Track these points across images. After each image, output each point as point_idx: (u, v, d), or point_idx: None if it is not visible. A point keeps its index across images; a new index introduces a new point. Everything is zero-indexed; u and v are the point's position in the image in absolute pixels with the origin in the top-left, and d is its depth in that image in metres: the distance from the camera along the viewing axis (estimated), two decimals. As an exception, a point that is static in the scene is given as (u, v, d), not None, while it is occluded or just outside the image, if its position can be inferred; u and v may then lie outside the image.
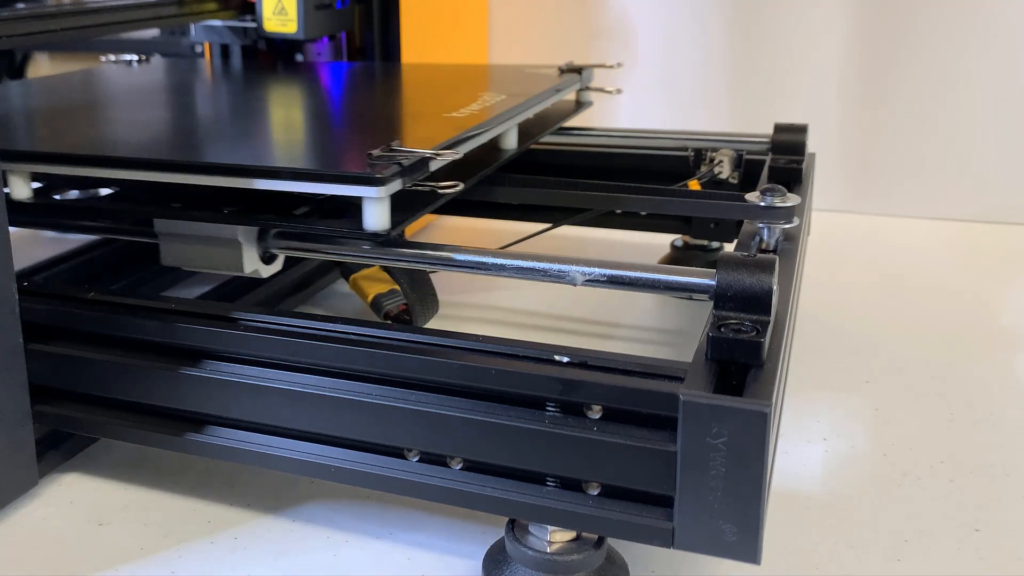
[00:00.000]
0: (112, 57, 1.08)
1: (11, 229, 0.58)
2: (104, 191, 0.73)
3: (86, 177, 0.68)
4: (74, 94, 0.88)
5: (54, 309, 0.62)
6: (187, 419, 0.59)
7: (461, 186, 0.61)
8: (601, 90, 0.96)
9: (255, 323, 0.58)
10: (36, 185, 0.70)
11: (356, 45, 1.08)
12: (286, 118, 0.78)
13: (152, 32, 1.53)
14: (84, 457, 0.69)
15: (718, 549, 0.47)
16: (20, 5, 0.97)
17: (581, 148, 0.97)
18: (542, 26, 1.39)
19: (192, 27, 1.06)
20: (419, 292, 0.77)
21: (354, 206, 0.60)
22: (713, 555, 0.47)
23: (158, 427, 0.60)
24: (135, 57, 1.07)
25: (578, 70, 0.94)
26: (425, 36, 1.13)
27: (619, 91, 0.97)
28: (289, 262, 0.96)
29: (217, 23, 1.02)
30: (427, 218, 1.23)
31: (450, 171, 0.66)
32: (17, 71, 1.69)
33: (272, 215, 0.62)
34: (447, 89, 0.88)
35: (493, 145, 0.77)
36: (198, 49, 1.14)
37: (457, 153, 0.63)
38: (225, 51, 1.05)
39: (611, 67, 0.98)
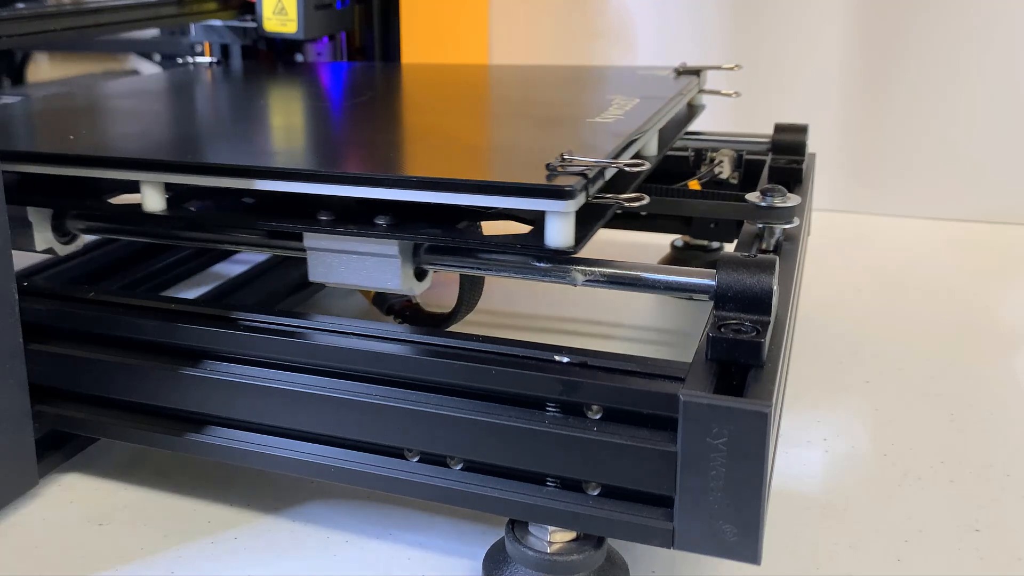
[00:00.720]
0: (190, 59, 1.05)
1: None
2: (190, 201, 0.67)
3: (217, 188, 0.61)
4: (178, 98, 0.86)
5: (54, 309, 0.62)
6: (187, 419, 0.59)
7: (647, 199, 0.55)
8: (718, 93, 0.90)
9: (255, 323, 0.58)
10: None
11: (356, 45, 1.08)
12: (425, 125, 0.72)
13: (152, 32, 1.52)
14: (84, 457, 0.69)
15: (718, 549, 0.47)
16: (20, 5, 0.97)
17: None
18: (542, 26, 1.39)
19: (192, 27, 1.06)
20: (472, 294, 0.73)
21: (520, 220, 0.56)
22: (713, 555, 0.47)
23: (158, 427, 0.60)
24: (213, 59, 1.04)
25: (696, 72, 0.89)
26: (425, 36, 1.13)
27: (737, 94, 0.90)
28: (289, 262, 0.96)
29: (217, 23, 1.02)
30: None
31: (631, 180, 0.62)
32: (17, 71, 1.69)
33: (429, 229, 0.57)
34: (571, 93, 0.84)
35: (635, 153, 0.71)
36: (198, 49, 1.14)
37: (644, 163, 0.57)
38: (225, 51, 1.05)
39: (730, 69, 0.90)
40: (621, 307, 0.97)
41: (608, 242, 1.14)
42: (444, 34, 1.22)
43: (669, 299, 0.97)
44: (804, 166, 0.83)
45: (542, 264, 0.56)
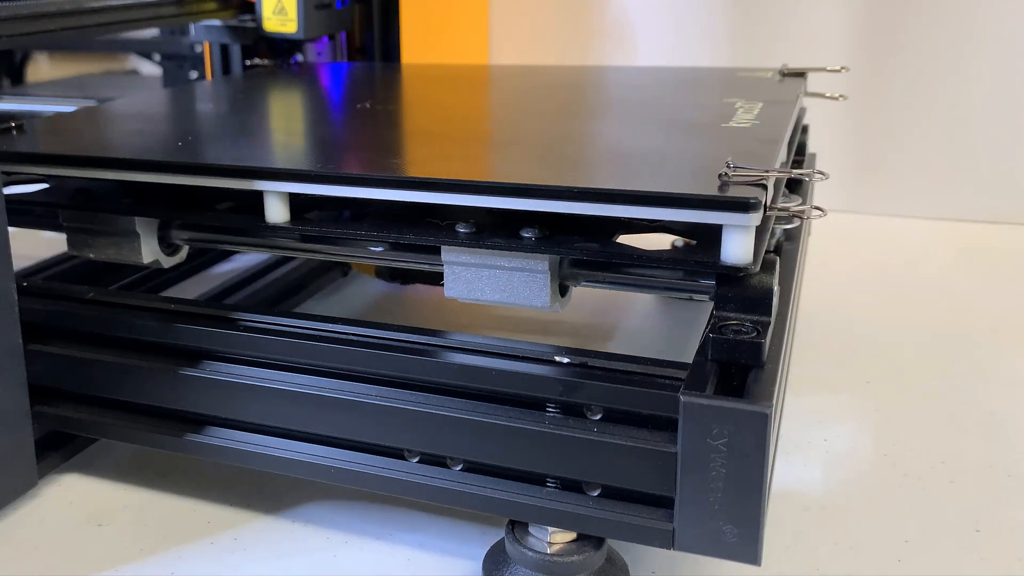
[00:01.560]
0: (266, 61, 1.02)
1: (13, 229, 0.57)
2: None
3: (338, 198, 0.58)
4: (271, 102, 0.82)
5: (54, 309, 0.62)
6: (187, 419, 0.59)
7: (825, 212, 0.52)
8: (822, 95, 0.86)
9: (255, 323, 0.58)
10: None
11: (356, 45, 1.08)
12: (559, 131, 0.68)
13: (152, 32, 1.53)
14: (84, 457, 0.69)
15: (718, 550, 0.47)
16: (20, 5, 0.97)
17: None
18: (542, 26, 1.39)
19: (192, 27, 1.06)
20: None
21: (677, 233, 0.53)
22: (713, 556, 0.47)
23: (158, 427, 0.60)
24: (297, 58, 1.01)
25: (802, 73, 0.85)
26: (425, 36, 1.13)
27: (844, 97, 0.87)
28: (288, 261, 0.96)
29: (217, 23, 1.01)
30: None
31: None
32: (17, 71, 1.69)
33: (581, 242, 0.53)
34: (685, 96, 0.81)
35: None
36: (198, 49, 1.14)
37: (824, 174, 0.54)
38: (224, 51, 1.05)
39: (836, 71, 0.87)
40: (621, 307, 0.97)
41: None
42: (444, 34, 1.22)
43: (670, 300, 0.97)
44: (804, 166, 0.83)
45: (710, 282, 0.52)
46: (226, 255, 1.04)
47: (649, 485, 0.48)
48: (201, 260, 0.98)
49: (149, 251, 0.63)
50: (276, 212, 0.58)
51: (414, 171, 0.56)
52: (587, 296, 0.97)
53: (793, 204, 0.54)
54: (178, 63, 1.48)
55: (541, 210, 0.52)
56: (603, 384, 0.49)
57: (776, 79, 0.85)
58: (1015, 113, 1.25)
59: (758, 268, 0.50)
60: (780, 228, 0.66)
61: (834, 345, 0.89)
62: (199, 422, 0.59)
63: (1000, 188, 1.27)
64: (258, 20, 0.98)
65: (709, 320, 0.51)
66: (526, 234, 0.53)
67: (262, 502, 0.64)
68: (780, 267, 0.52)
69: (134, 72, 1.87)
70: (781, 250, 0.66)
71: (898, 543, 0.60)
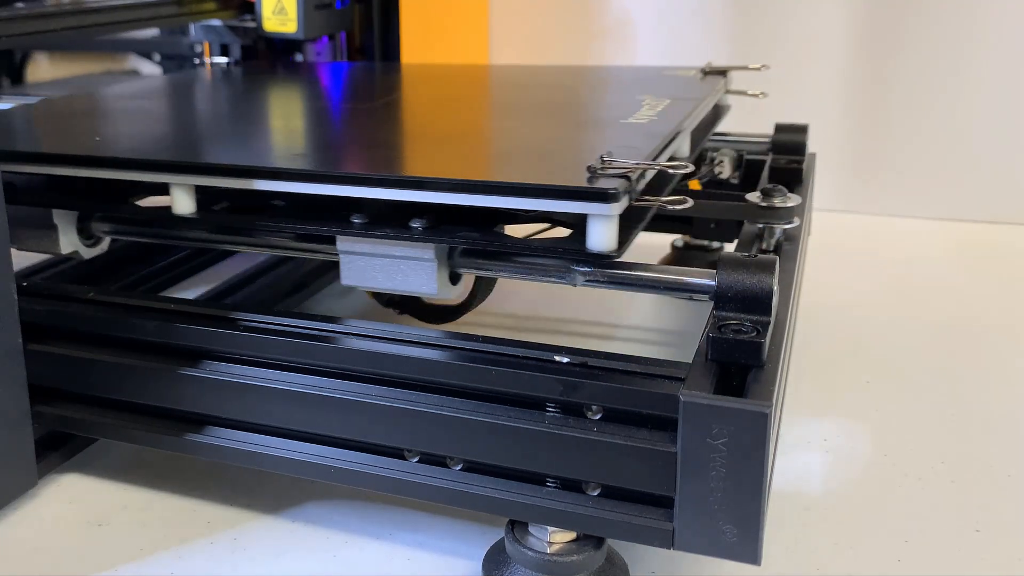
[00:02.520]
0: (208, 60, 1.05)
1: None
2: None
3: (247, 191, 0.60)
4: (199, 99, 0.85)
5: (54, 309, 0.62)
6: (187, 419, 0.59)
7: (691, 202, 0.54)
8: (744, 93, 0.89)
9: (255, 323, 0.58)
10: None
11: (356, 45, 1.08)
12: (457, 126, 0.72)
13: (152, 32, 1.52)
14: (84, 457, 0.69)
15: (718, 550, 0.47)
16: (20, 5, 0.97)
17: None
18: (542, 26, 1.39)
19: (191, 27, 1.06)
20: (487, 288, 0.72)
21: (558, 223, 0.56)
22: (713, 556, 0.47)
23: (158, 427, 0.60)
24: (229, 59, 1.04)
25: (723, 72, 0.88)
26: (425, 36, 1.13)
27: (764, 95, 0.89)
28: (288, 261, 0.96)
29: (217, 23, 1.02)
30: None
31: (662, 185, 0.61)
32: (17, 71, 1.69)
33: (467, 232, 0.56)
34: (600, 93, 0.84)
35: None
36: (197, 49, 1.14)
37: (688, 165, 0.57)
38: (224, 51, 1.05)
39: (756, 69, 0.89)
40: (621, 307, 0.97)
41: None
42: (444, 34, 1.22)
43: (669, 299, 0.97)
44: (804, 166, 0.83)
45: (583, 268, 0.55)
46: (226, 255, 1.03)
47: (649, 485, 0.48)
48: (201, 260, 0.98)
49: (68, 242, 0.67)
50: (182, 204, 0.61)
51: (311, 164, 0.59)
52: (587, 296, 0.97)
53: (667, 199, 0.56)
54: (178, 63, 1.48)
55: (425, 201, 0.54)
56: (603, 384, 0.49)
57: (698, 77, 0.87)
58: (1015, 113, 1.25)
59: (622, 255, 0.53)
60: (780, 228, 0.67)
61: (834, 345, 0.89)
62: (199, 422, 0.59)
63: (1000, 188, 1.27)
64: (258, 20, 0.98)
65: (709, 320, 0.51)
66: (415, 224, 0.56)
67: (262, 502, 0.64)
68: (780, 267, 0.52)
69: (134, 72, 1.87)
70: (781, 250, 0.66)
71: (898, 543, 0.60)
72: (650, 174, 0.56)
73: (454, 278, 0.59)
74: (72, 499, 0.64)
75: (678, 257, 0.99)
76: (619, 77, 0.93)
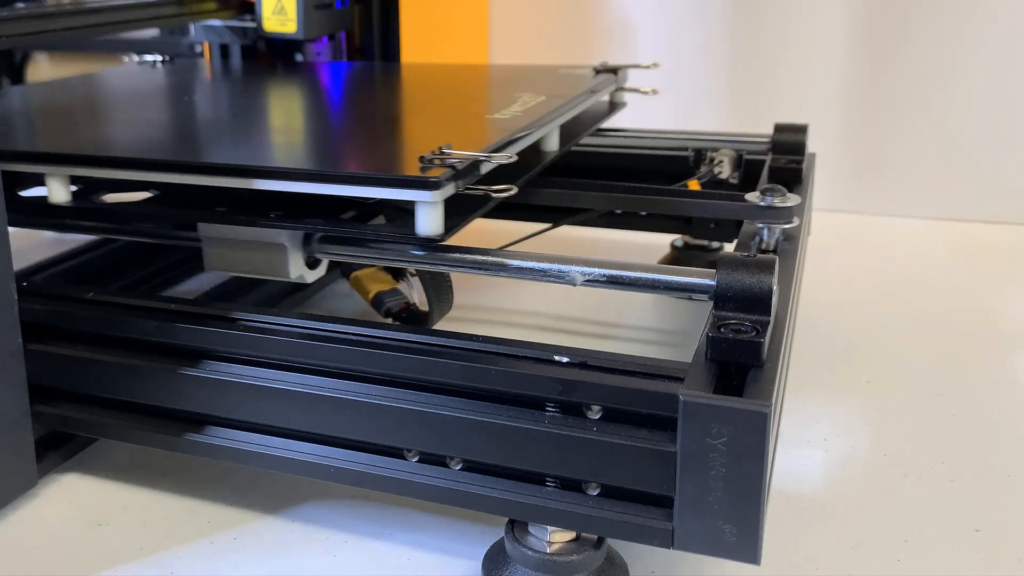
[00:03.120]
0: (136, 57, 1.07)
1: (15, 230, 0.59)
2: (136, 195, 0.70)
3: (124, 180, 0.64)
4: (102, 95, 0.88)
5: (54, 309, 0.62)
6: (187, 419, 0.59)
7: (514, 189, 0.59)
8: (636, 90, 0.94)
9: (255, 323, 0.58)
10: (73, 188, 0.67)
11: (356, 45, 1.08)
12: (327, 121, 0.76)
13: (152, 32, 1.52)
14: (84, 457, 0.69)
15: (718, 549, 0.47)
16: (20, 5, 0.97)
17: (581, 148, 0.97)
18: (542, 26, 1.39)
19: (191, 27, 1.06)
20: (439, 291, 0.75)
21: (401, 210, 0.59)
22: (713, 555, 0.47)
23: (158, 427, 0.60)
24: (159, 57, 1.06)
25: (614, 70, 0.92)
26: (425, 36, 1.13)
27: (655, 92, 0.94)
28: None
29: (217, 23, 1.02)
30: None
31: (495, 174, 0.63)
32: (17, 71, 1.69)
33: (319, 219, 0.60)
34: (485, 90, 0.87)
35: (535, 147, 0.75)
36: (197, 49, 1.14)
37: (512, 156, 0.60)
38: (224, 51, 1.05)
39: (647, 67, 0.95)
40: (621, 307, 0.97)
41: (608, 242, 1.14)
42: (444, 34, 1.22)
43: (669, 299, 0.97)
44: (804, 166, 0.83)
45: (416, 252, 0.59)
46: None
47: (649, 484, 0.48)
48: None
49: None
50: (57, 193, 0.65)
51: (175, 156, 0.63)
52: (587, 296, 0.97)
53: (494, 188, 0.59)
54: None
55: (274, 190, 0.59)
56: (602, 383, 0.49)
57: (590, 76, 0.91)
58: (1014, 113, 1.25)
59: (448, 239, 0.57)
60: (779, 228, 0.67)
61: (834, 345, 0.89)
62: (199, 422, 0.59)
63: (999, 188, 1.27)
64: (258, 20, 0.98)
65: (708, 319, 0.51)
66: (271, 213, 0.60)
67: (262, 502, 0.64)
68: (779, 267, 0.52)
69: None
70: (780, 250, 0.66)
71: (898, 543, 0.60)
72: (490, 165, 0.60)
73: (313, 264, 0.63)
74: (72, 499, 0.64)
75: (678, 257, 0.99)
76: (512, 76, 0.96)
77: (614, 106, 0.94)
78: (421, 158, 0.57)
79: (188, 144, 0.69)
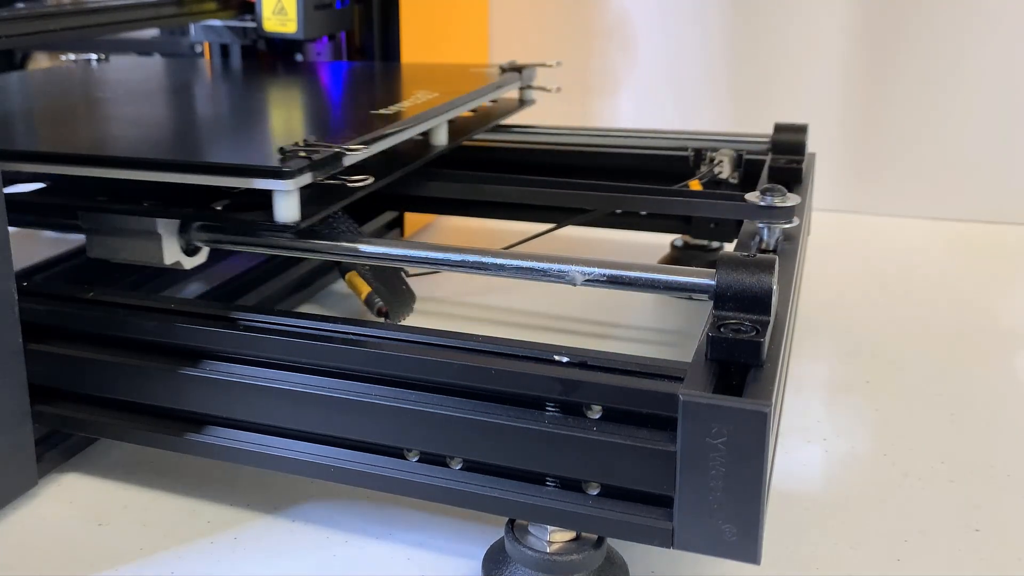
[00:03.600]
0: (72, 56, 1.09)
1: (15, 229, 0.60)
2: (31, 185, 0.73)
3: (18, 172, 0.68)
4: (14, 93, 0.90)
5: (54, 309, 0.62)
6: (187, 419, 0.59)
7: (371, 180, 0.63)
8: (543, 88, 0.98)
9: (255, 323, 0.58)
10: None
11: (356, 45, 1.08)
12: (213, 115, 0.81)
13: (152, 32, 1.53)
14: (84, 457, 0.69)
15: (718, 549, 0.47)
16: (20, 5, 0.97)
17: (581, 148, 0.97)
18: (542, 26, 1.39)
19: (192, 27, 1.06)
20: (391, 288, 0.77)
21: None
22: (713, 555, 0.47)
23: (158, 427, 0.60)
24: (95, 56, 1.08)
25: (518, 69, 0.96)
26: (425, 36, 1.13)
27: (558, 89, 0.99)
28: (289, 262, 0.96)
29: (217, 23, 1.02)
30: (426, 218, 1.23)
31: (381, 166, 0.69)
32: (16, 71, 1.69)
33: (191, 208, 0.63)
34: (384, 87, 0.91)
35: (425, 141, 0.80)
36: (198, 49, 1.14)
37: (366, 148, 0.64)
38: (224, 51, 1.05)
39: (550, 66, 1.00)
40: (621, 307, 0.97)
41: (608, 242, 1.14)
42: (444, 34, 1.22)
43: (669, 299, 0.97)
44: (804, 166, 0.83)
45: (278, 238, 0.63)
46: (227, 254, 1.03)
47: (648, 484, 0.48)
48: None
49: None
50: None
51: (60, 148, 0.65)
52: (587, 296, 0.97)
53: (352, 178, 0.63)
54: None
55: (143, 179, 0.61)
56: (602, 383, 0.49)
57: (495, 75, 0.94)
58: (1015, 113, 1.25)
59: (304, 225, 0.60)
60: (779, 228, 0.67)
61: (834, 345, 0.89)
62: (199, 422, 0.59)
63: (1000, 188, 1.27)
64: (258, 20, 0.99)
65: (708, 319, 0.51)
66: (144, 203, 0.63)
67: (262, 502, 0.64)
68: (779, 266, 0.52)
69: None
70: (780, 250, 0.66)
71: (898, 543, 0.60)
72: (355, 157, 0.63)
73: (192, 251, 0.66)
74: (72, 499, 0.64)
75: (678, 257, 0.99)
76: (419, 74, 0.99)
77: (522, 103, 0.98)
78: (281, 149, 0.60)
79: (72, 137, 0.70)
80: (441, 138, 0.81)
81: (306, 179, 0.59)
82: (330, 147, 0.61)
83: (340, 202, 0.64)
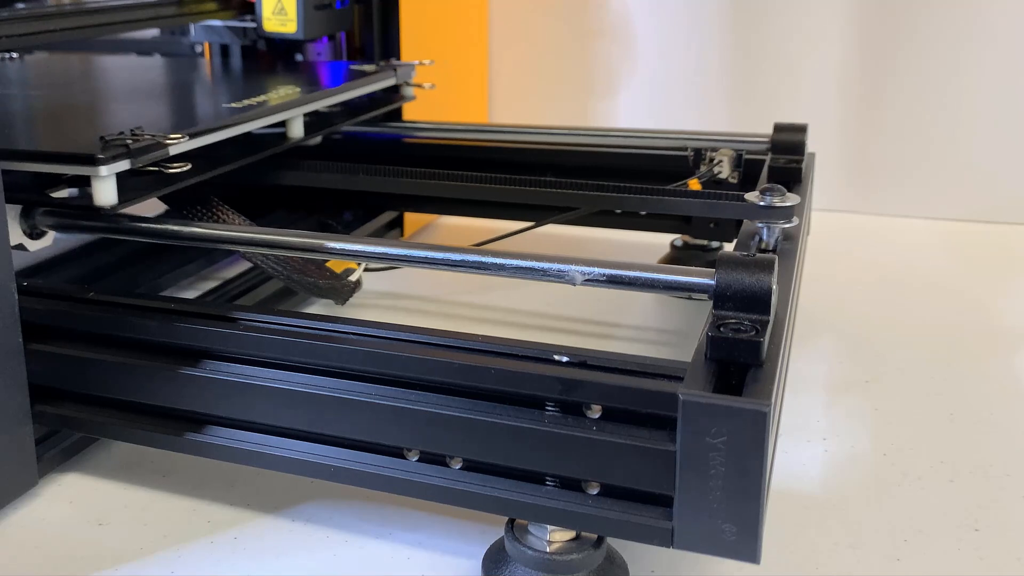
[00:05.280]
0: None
1: (50, 233, 0.63)
2: None
3: None
4: None
5: (54, 309, 0.62)
6: (187, 419, 0.59)
7: (188, 166, 0.67)
8: (419, 86, 1.02)
9: (255, 323, 0.58)
10: None
11: (356, 45, 1.08)
12: (68, 106, 0.83)
13: (152, 32, 1.53)
14: (84, 457, 0.69)
15: (718, 549, 0.47)
16: (20, 5, 0.98)
17: (581, 148, 0.97)
18: (543, 26, 1.40)
19: (192, 27, 1.06)
20: (292, 272, 0.77)
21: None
22: (713, 555, 0.47)
23: (158, 427, 0.60)
24: (8, 55, 1.09)
25: (392, 67, 0.99)
26: (425, 36, 1.13)
27: (433, 86, 1.03)
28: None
29: (217, 23, 1.02)
30: (427, 217, 1.23)
31: (235, 156, 0.75)
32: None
33: (33, 193, 0.65)
34: (252, 83, 0.93)
35: (282, 134, 0.84)
36: (198, 49, 1.14)
37: (188, 139, 0.68)
38: (225, 51, 1.05)
39: (422, 64, 1.04)
40: (621, 307, 0.97)
41: (608, 242, 1.14)
42: (444, 34, 1.22)
43: (669, 299, 0.97)
44: (803, 166, 0.83)
45: (94, 223, 0.66)
46: (226, 254, 1.04)
47: (648, 483, 0.48)
48: (202, 261, 0.98)
49: None
50: None
51: None
52: (587, 296, 0.97)
53: (174, 165, 0.67)
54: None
55: None
56: (602, 383, 0.49)
57: (372, 71, 0.98)
58: (1015, 113, 1.25)
59: (124, 210, 0.64)
60: (779, 227, 0.67)
61: (834, 345, 0.89)
62: (199, 422, 0.59)
63: (1000, 188, 1.27)
64: (258, 20, 0.99)
65: (708, 319, 0.51)
66: None
67: (262, 502, 0.64)
68: (779, 266, 0.52)
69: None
70: (780, 249, 0.66)
71: (898, 543, 0.60)
72: (178, 147, 0.66)
73: (37, 234, 0.68)
74: (72, 499, 0.65)
75: (677, 256, 0.99)
76: (297, 71, 1.01)
77: (403, 98, 1.02)
78: (102, 138, 0.64)
79: None
80: (297, 130, 0.84)
81: (122, 166, 0.63)
82: (153, 137, 0.65)
83: (163, 189, 0.68)
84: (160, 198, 0.74)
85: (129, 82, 0.96)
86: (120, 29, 0.88)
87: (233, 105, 0.79)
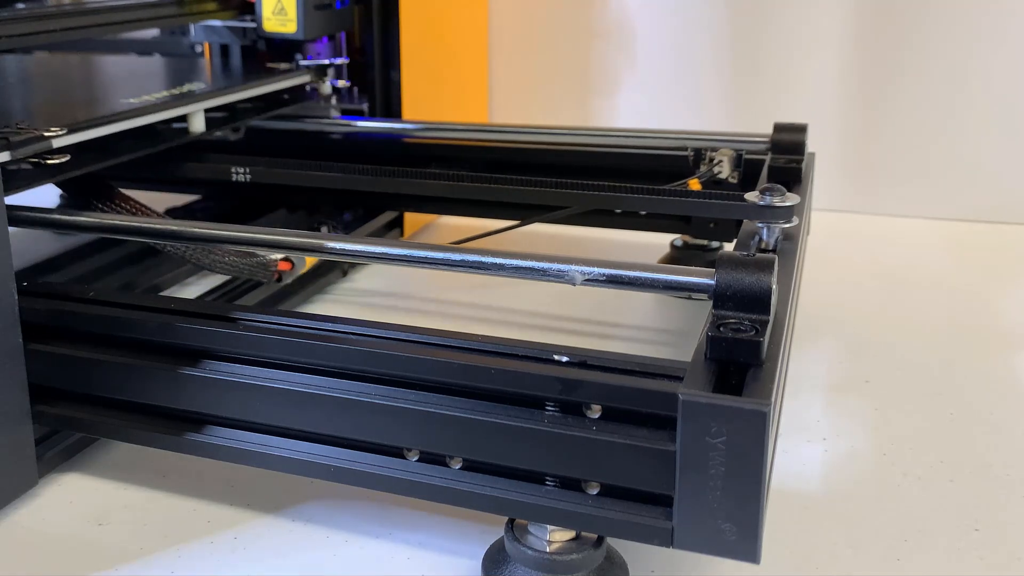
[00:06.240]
0: None
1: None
2: None
3: None
4: None
5: (54, 309, 0.62)
6: (187, 419, 0.59)
7: (68, 158, 0.68)
8: (339, 82, 1.04)
9: (255, 323, 0.58)
10: None
11: (356, 45, 1.08)
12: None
13: (152, 32, 1.53)
14: (84, 457, 0.69)
15: (718, 549, 0.47)
16: (20, 5, 0.97)
17: (581, 148, 0.97)
18: (543, 26, 1.40)
19: (192, 27, 1.06)
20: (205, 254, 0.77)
21: None
22: (713, 555, 0.47)
23: (158, 427, 0.60)
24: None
25: (323, 66, 1.02)
26: (425, 37, 1.13)
27: (347, 83, 1.06)
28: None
29: (217, 23, 1.02)
30: (427, 217, 1.23)
31: (131, 149, 0.77)
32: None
33: None
34: (149, 79, 0.95)
35: (184, 128, 0.85)
36: (198, 49, 1.14)
37: (69, 133, 0.68)
38: (225, 51, 1.05)
39: (341, 64, 1.06)
40: (621, 307, 0.97)
41: (608, 242, 1.14)
42: (444, 34, 1.22)
43: (669, 299, 0.97)
44: (803, 166, 0.83)
45: (32, 214, 0.68)
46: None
47: (648, 483, 0.48)
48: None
49: None
50: None
51: None
52: (587, 296, 0.97)
53: (54, 157, 0.67)
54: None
55: None
56: (602, 383, 0.49)
57: (288, 68, 1.00)
58: (1015, 113, 1.25)
59: (11, 199, 0.63)
60: (778, 227, 0.67)
61: (834, 345, 0.89)
62: (199, 422, 0.59)
63: (1000, 188, 1.27)
64: (258, 20, 0.99)
65: (708, 319, 0.51)
66: None
67: (262, 502, 0.64)
68: (779, 266, 0.52)
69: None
70: (780, 249, 0.66)
71: (898, 543, 0.60)
72: (59, 140, 0.67)
73: None
74: (72, 499, 0.65)
75: (677, 256, 0.99)
76: (211, 66, 1.03)
77: (323, 96, 1.04)
78: None
79: None
80: (198, 125, 0.85)
81: (3, 157, 0.63)
82: (34, 131, 0.66)
83: (46, 180, 0.69)
84: (62, 191, 0.77)
85: (47, 79, 0.98)
86: (120, 29, 0.88)
87: (131, 100, 0.80)
